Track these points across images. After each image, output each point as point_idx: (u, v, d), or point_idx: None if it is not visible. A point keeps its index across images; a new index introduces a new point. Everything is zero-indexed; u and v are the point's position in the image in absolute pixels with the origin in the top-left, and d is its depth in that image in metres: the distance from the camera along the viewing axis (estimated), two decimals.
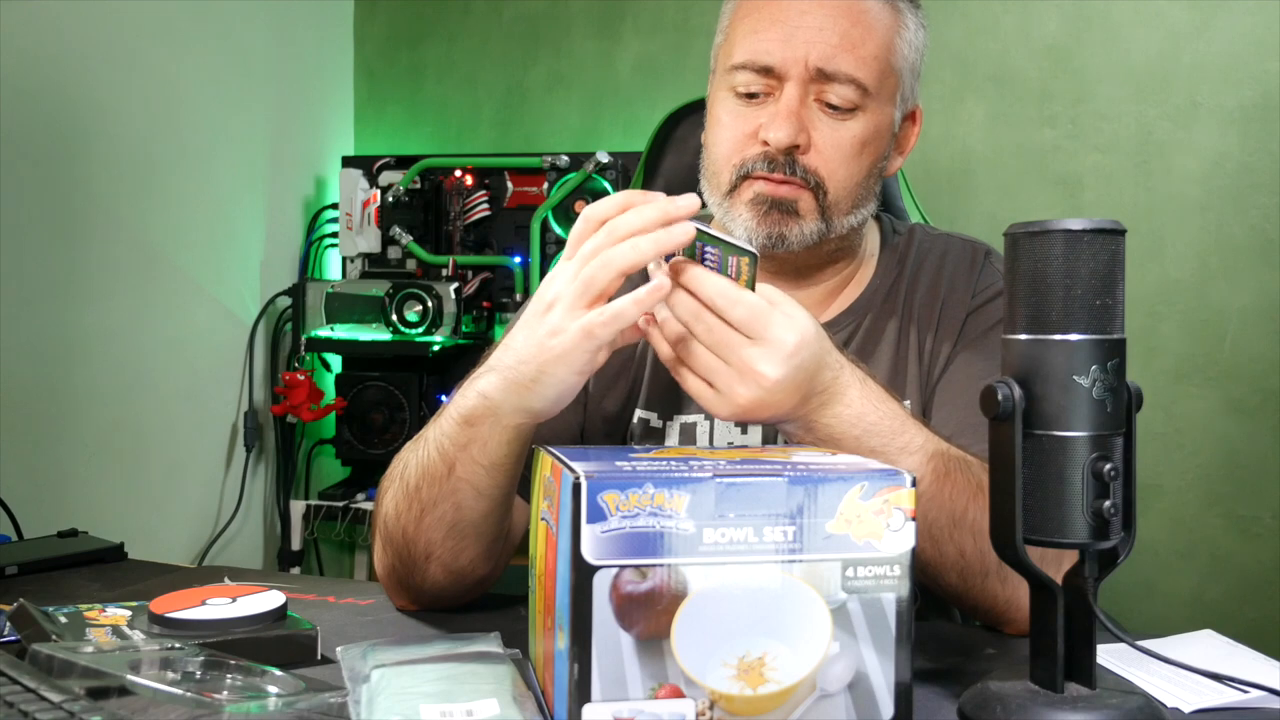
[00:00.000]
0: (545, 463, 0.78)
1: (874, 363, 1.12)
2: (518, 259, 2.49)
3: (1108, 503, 0.73)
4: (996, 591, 0.94)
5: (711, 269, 0.83)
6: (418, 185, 2.56)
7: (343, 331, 2.47)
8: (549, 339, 0.82)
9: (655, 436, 1.13)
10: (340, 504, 2.52)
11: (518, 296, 2.49)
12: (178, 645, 0.79)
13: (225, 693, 0.73)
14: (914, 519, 0.70)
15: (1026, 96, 2.41)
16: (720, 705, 0.68)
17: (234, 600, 0.90)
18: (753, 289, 0.83)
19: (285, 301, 2.58)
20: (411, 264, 2.56)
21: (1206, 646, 0.91)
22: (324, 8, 2.79)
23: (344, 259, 2.62)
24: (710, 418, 1.12)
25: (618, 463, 0.72)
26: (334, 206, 2.65)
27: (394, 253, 2.57)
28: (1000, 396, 0.74)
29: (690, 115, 1.51)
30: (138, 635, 0.84)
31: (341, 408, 2.50)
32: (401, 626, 0.99)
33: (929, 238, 1.19)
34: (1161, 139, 2.33)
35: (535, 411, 0.87)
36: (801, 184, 1.05)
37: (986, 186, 2.43)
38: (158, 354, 2.21)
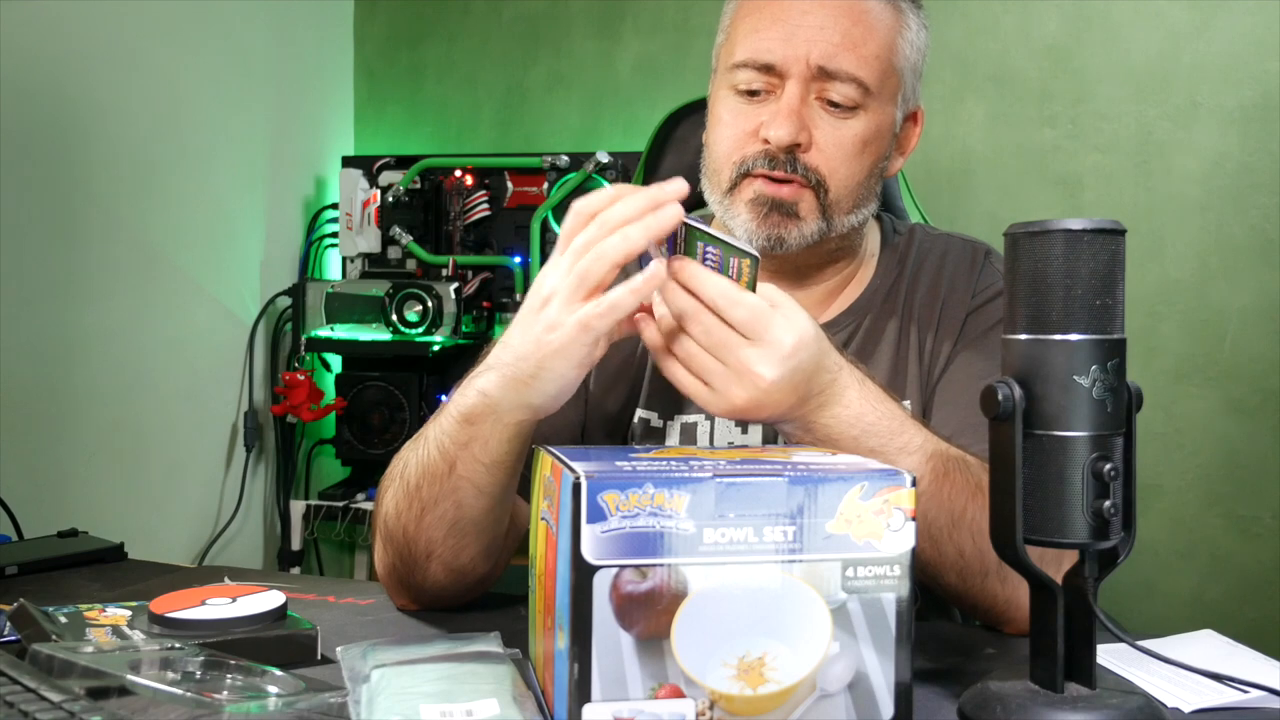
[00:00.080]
0: (545, 463, 0.78)
1: (874, 363, 1.12)
2: (518, 259, 2.49)
3: (1108, 503, 0.73)
4: (996, 591, 0.94)
5: (712, 269, 0.83)
6: (418, 185, 2.56)
7: (343, 331, 2.47)
8: (547, 334, 0.82)
9: (655, 436, 1.13)
10: (340, 504, 2.52)
11: (518, 296, 2.49)
12: (178, 645, 0.79)
13: (225, 693, 0.73)
14: (914, 519, 0.70)
15: (1026, 96, 2.41)
16: (720, 705, 0.68)
17: (234, 600, 0.90)
18: (753, 290, 0.83)
19: (285, 301, 2.58)
20: (411, 264, 2.56)
21: (1206, 646, 0.91)
22: (324, 8, 2.79)
23: (344, 259, 2.62)
24: (711, 417, 1.12)
25: (618, 463, 0.72)
26: (334, 206, 2.65)
27: (394, 253, 2.57)
28: (1000, 396, 0.74)
29: (690, 115, 1.51)
30: (138, 635, 0.84)
31: (341, 408, 2.50)
32: (401, 626, 0.99)
33: (929, 238, 1.19)
34: (1161, 139, 2.33)
35: (536, 407, 0.87)
36: (802, 183, 1.05)
37: (986, 186, 2.43)
38: (158, 354, 2.21)
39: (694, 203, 1.46)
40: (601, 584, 0.67)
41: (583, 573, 0.67)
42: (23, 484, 1.75)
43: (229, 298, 2.45)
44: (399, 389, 2.47)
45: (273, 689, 0.74)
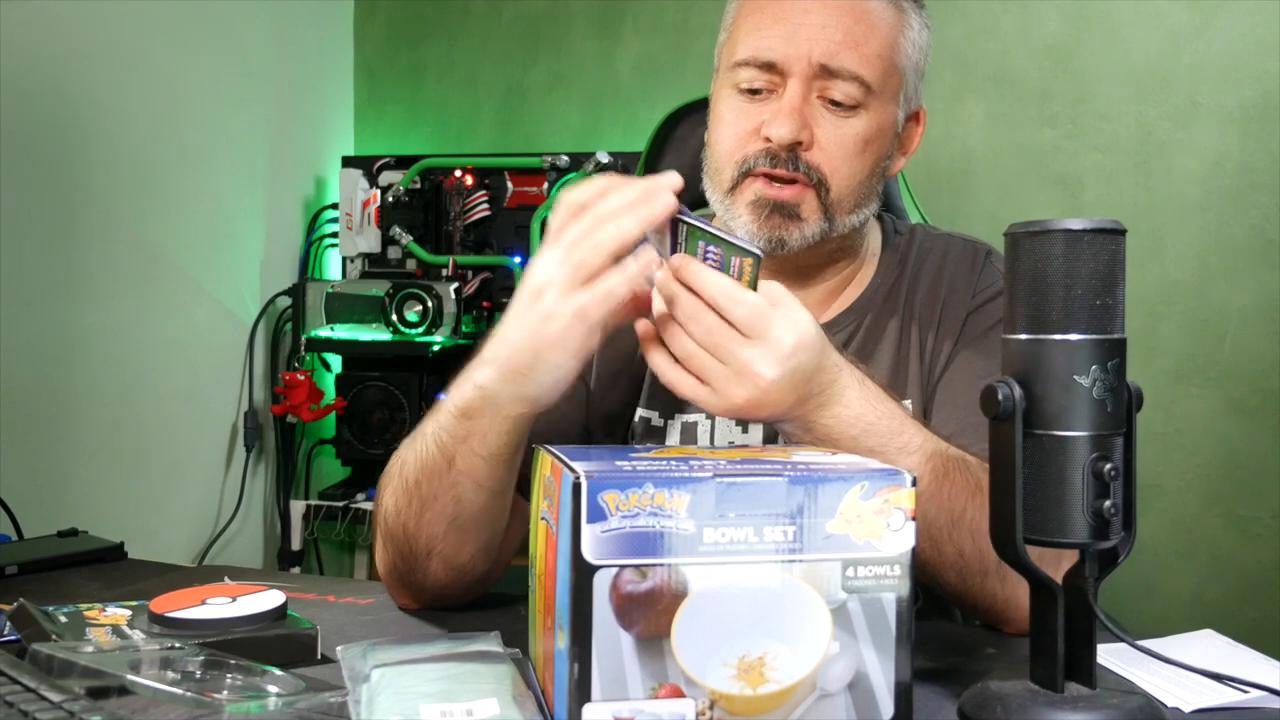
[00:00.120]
0: (545, 462, 0.78)
1: (875, 362, 1.12)
2: (518, 259, 2.49)
3: (1108, 502, 0.73)
4: (996, 591, 0.94)
5: (713, 268, 0.83)
6: (418, 185, 2.56)
7: (343, 331, 2.47)
8: (543, 326, 0.82)
9: (656, 435, 1.13)
10: (340, 504, 2.52)
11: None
12: (178, 645, 0.79)
13: (225, 692, 0.73)
14: (914, 519, 0.70)
15: (1026, 96, 2.41)
16: (720, 705, 0.68)
17: (234, 600, 0.90)
18: (755, 289, 0.83)
19: (285, 301, 2.58)
20: (411, 264, 2.56)
21: (1206, 646, 0.91)
22: (324, 8, 2.79)
23: (344, 259, 2.62)
24: (712, 417, 1.12)
25: (618, 462, 0.72)
26: (334, 206, 2.65)
27: (394, 253, 2.57)
28: (1000, 396, 0.74)
29: (690, 115, 1.51)
30: (138, 635, 0.84)
31: (341, 408, 2.50)
32: (402, 626, 0.99)
33: (930, 238, 1.19)
34: (1161, 139, 2.33)
35: (533, 399, 0.87)
36: (805, 182, 1.04)
37: (986, 186, 2.43)
38: (158, 354, 2.21)
39: (694, 202, 1.46)
40: (601, 584, 0.67)
41: (583, 572, 0.67)
42: (23, 484, 1.75)
43: (229, 298, 2.45)
44: (399, 389, 2.47)
45: (273, 689, 0.74)
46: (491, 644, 0.83)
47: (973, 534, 0.91)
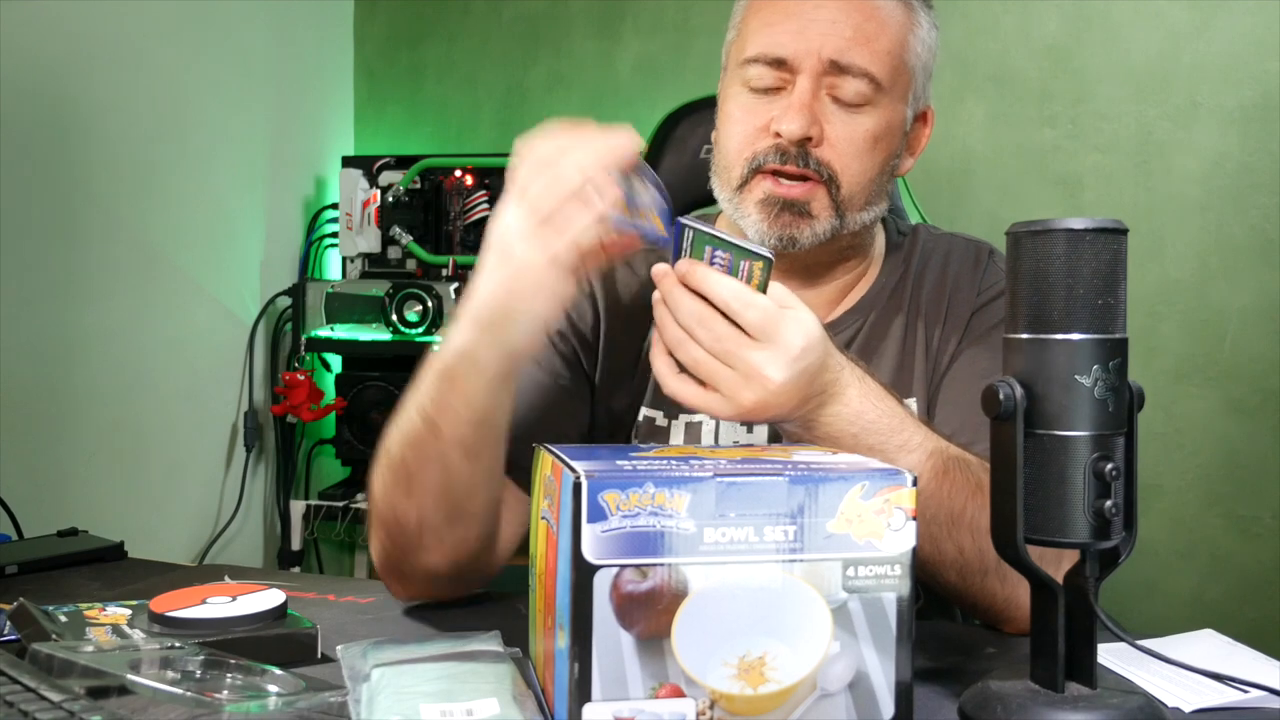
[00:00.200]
0: (546, 462, 0.78)
1: (880, 360, 1.12)
2: None
3: (1109, 502, 0.73)
4: (995, 590, 0.94)
5: (720, 272, 0.83)
6: (418, 185, 2.56)
7: (343, 331, 2.47)
8: (517, 277, 0.82)
9: (660, 435, 1.13)
10: (340, 504, 2.52)
11: None
12: (178, 644, 0.79)
13: (225, 692, 0.73)
14: (915, 518, 0.70)
15: (1026, 96, 2.41)
16: (720, 705, 0.68)
17: (234, 599, 0.90)
18: (764, 292, 0.83)
19: (285, 301, 2.58)
20: (411, 264, 2.56)
21: (1207, 646, 0.91)
22: (324, 8, 2.79)
23: (344, 259, 2.62)
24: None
25: (618, 462, 0.72)
26: (334, 206, 2.65)
27: (394, 253, 2.57)
28: (1002, 396, 0.74)
29: (690, 115, 1.51)
30: (138, 634, 0.84)
31: (341, 408, 2.50)
32: (402, 625, 0.99)
33: (932, 237, 1.19)
34: (1161, 139, 2.33)
35: (513, 350, 0.86)
36: (815, 178, 1.04)
37: (986, 186, 2.43)
38: (158, 354, 2.21)
39: (697, 201, 1.46)
40: (602, 583, 0.67)
41: (583, 572, 0.67)
42: (23, 484, 1.75)
43: (229, 298, 2.45)
44: (399, 389, 2.44)
45: (273, 688, 0.74)
46: (491, 644, 0.83)
47: (972, 533, 0.91)
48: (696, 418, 1.12)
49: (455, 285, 2.42)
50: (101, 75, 2.05)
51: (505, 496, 0.98)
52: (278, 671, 0.76)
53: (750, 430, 1.11)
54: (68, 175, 1.97)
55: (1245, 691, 0.79)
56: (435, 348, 0.90)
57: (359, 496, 2.52)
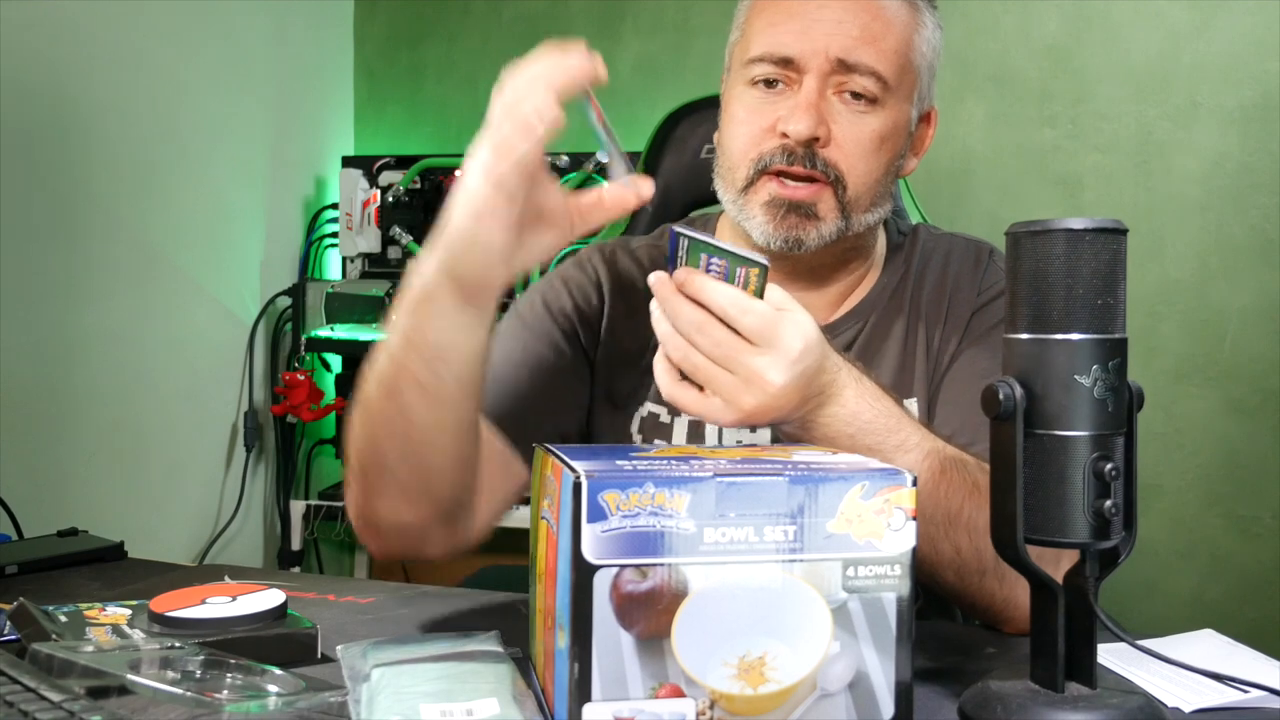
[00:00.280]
0: (545, 462, 0.78)
1: (881, 361, 1.12)
2: None
3: (1109, 502, 0.73)
4: (994, 590, 0.94)
5: (717, 279, 0.83)
6: (418, 185, 2.56)
7: (343, 331, 2.47)
8: (467, 204, 0.81)
9: (663, 431, 1.13)
10: (340, 504, 2.51)
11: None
12: (178, 644, 0.79)
13: (225, 692, 0.73)
14: (914, 518, 0.70)
15: (1026, 96, 2.41)
16: (720, 705, 0.68)
17: (234, 599, 0.90)
18: (761, 298, 0.83)
19: (285, 301, 2.58)
20: (411, 264, 2.55)
21: (1206, 646, 0.91)
22: (324, 8, 2.79)
23: (344, 259, 2.62)
24: None
25: (618, 462, 0.72)
26: (334, 206, 2.65)
27: (394, 253, 2.57)
28: (1001, 396, 0.74)
29: (690, 115, 1.51)
30: (138, 634, 0.84)
31: (341, 408, 2.50)
32: (402, 625, 0.99)
33: (932, 237, 1.19)
34: (1161, 139, 2.33)
35: (463, 281, 0.84)
36: (822, 179, 1.04)
37: (986, 186, 2.43)
38: (158, 354, 2.21)
39: (696, 202, 1.46)
40: (602, 583, 0.67)
41: (583, 572, 0.67)
42: (23, 484, 1.75)
43: (229, 298, 2.45)
44: None
45: (273, 688, 0.74)
46: (491, 644, 0.83)
47: (970, 533, 0.91)
48: None
49: None
50: (101, 75, 2.05)
51: (490, 463, 0.98)
52: (278, 671, 0.76)
53: (753, 430, 1.11)
54: (68, 175, 1.97)
55: (1245, 691, 0.79)
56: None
57: None
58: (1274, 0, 2.25)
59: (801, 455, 0.78)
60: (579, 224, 0.88)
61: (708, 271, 0.83)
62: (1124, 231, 0.75)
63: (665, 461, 0.73)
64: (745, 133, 1.06)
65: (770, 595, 0.68)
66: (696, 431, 1.12)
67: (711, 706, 0.68)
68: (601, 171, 2.41)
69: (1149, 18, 2.33)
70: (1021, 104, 2.41)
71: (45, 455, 1.92)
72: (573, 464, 0.70)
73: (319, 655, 0.87)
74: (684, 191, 1.47)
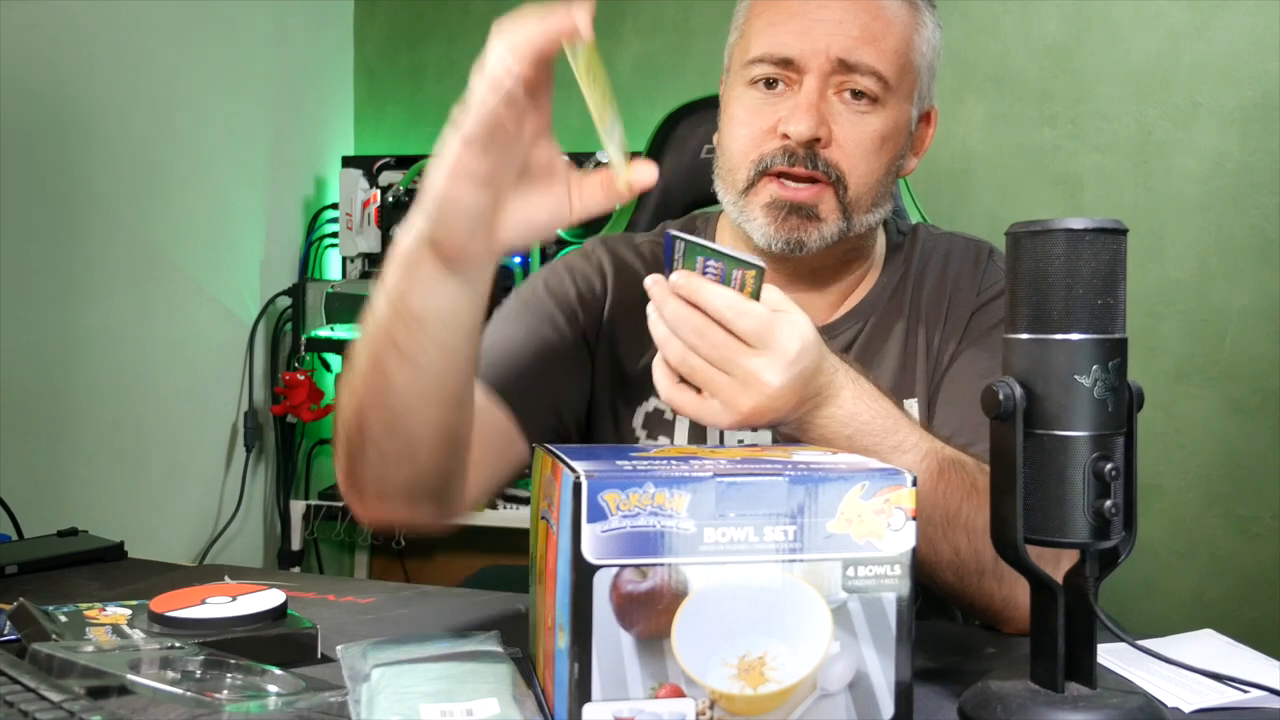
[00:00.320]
0: (545, 462, 0.78)
1: (881, 362, 1.12)
2: (517, 259, 2.49)
3: (1109, 502, 0.73)
4: (993, 590, 0.94)
5: (713, 282, 0.83)
6: (418, 185, 2.56)
7: (343, 331, 2.47)
8: (439, 162, 0.80)
9: (667, 428, 1.12)
10: (340, 504, 2.52)
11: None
12: (178, 644, 0.79)
13: (225, 692, 0.73)
14: (914, 518, 0.70)
15: (1026, 96, 2.41)
16: (720, 705, 0.68)
17: (234, 599, 0.90)
18: (757, 300, 0.83)
19: (285, 301, 2.58)
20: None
21: (1206, 646, 0.91)
22: (324, 8, 2.79)
23: (344, 259, 2.62)
24: None
25: (618, 462, 0.72)
26: (334, 206, 2.65)
27: None
28: (1001, 396, 0.74)
29: (690, 115, 1.51)
30: (138, 634, 0.84)
31: None
32: (401, 625, 0.99)
33: (932, 237, 1.19)
34: (1161, 139, 2.33)
35: (437, 241, 0.82)
36: (824, 180, 1.04)
37: (986, 186, 2.43)
38: (158, 354, 2.21)
39: (696, 202, 1.46)
40: (602, 584, 0.67)
41: (583, 572, 0.67)
42: (23, 484, 1.75)
43: (229, 298, 2.45)
44: None
45: (273, 688, 0.74)
46: (491, 644, 0.83)
47: (968, 533, 0.91)
48: None
49: None
50: (101, 75, 2.05)
51: (490, 439, 0.98)
52: (278, 671, 0.76)
53: (755, 429, 1.11)
54: (68, 175, 1.97)
55: (1245, 691, 0.79)
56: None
57: None
58: (1274, 0, 2.25)
59: (801, 455, 0.78)
60: (579, 205, 0.86)
61: (704, 274, 0.83)
62: (1124, 231, 0.75)
63: (665, 461, 0.73)
64: (745, 134, 1.06)
65: (770, 595, 0.68)
66: (699, 428, 1.11)
67: (711, 706, 0.68)
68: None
69: (1149, 18, 2.33)
70: (1021, 104, 2.41)
71: (45, 455, 1.92)
72: (573, 464, 0.70)
73: (319, 655, 0.87)
74: (684, 191, 1.47)
